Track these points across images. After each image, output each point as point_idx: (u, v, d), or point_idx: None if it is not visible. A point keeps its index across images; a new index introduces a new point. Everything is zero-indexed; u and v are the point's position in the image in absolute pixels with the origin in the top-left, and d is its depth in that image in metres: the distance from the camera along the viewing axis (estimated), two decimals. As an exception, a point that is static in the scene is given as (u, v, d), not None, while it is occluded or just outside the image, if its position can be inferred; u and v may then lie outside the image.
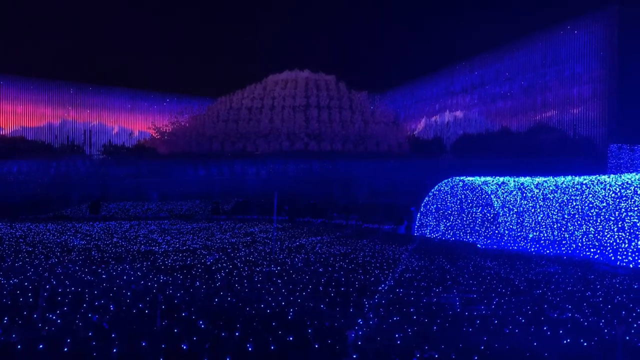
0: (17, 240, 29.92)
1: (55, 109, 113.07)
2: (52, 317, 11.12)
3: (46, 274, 16.96)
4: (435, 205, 41.37)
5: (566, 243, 30.33)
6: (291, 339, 9.99)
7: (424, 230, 41.99)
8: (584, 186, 30.70)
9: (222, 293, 14.49)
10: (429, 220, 41.89)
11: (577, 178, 31.88)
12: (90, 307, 12.18)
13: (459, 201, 39.02)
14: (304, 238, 37.11)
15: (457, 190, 39.29)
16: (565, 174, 33.47)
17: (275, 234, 30.55)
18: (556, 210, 31.87)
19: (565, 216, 31.06)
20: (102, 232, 38.45)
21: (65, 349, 8.99)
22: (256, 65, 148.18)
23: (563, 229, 31.02)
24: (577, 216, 30.33)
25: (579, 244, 29.48)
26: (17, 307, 12.10)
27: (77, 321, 10.84)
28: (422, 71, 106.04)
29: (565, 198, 31.50)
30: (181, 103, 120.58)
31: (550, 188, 33.13)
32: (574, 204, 30.71)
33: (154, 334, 10.11)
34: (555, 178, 33.57)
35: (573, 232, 30.26)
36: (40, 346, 8.95)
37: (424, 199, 42.65)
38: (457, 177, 39.98)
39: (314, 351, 9.52)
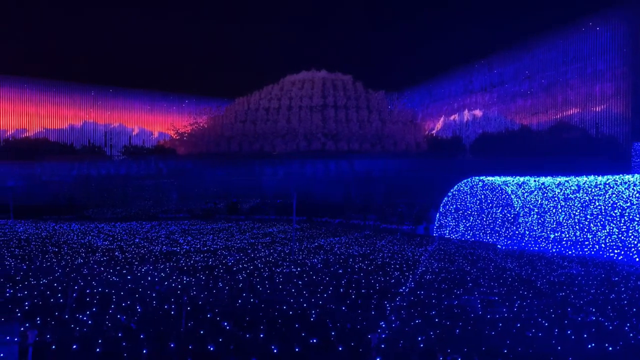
0: (43, 241, 30.65)
1: (76, 111, 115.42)
2: (83, 317, 11.44)
3: (73, 275, 17.40)
4: (454, 206, 41.13)
5: (589, 244, 29.91)
6: (314, 341, 10.13)
7: (443, 231, 41.77)
8: (607, 186, 30.23)
9: (245, 294, 14.70)
10: (448, 220, 41.67)
11: (599, 178, 31.41)
12: (118, 308, 12.49)
13: (478, 201, 38.74)
14: (322, 238, 37.24)
15: (477, 190, 39.01)
16: (587, 174, 32.99)
17: (294, 234, 30.74)
18: (578, 211, 31.45)
19: (588, 216, 30.63)
20: (124, 232, 39.12)
21: (98, 350, 9.27)
22: (273, 66, 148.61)
23: (585, 230, 30.60)
24: (600, 216, 29.89)
25: (602, 244, 29.05)
26: (48, 307, 12.47)
27: (106, 322, 11.14)
28: (440, 70, 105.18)
29: (587, 198, 31.06)
30: (200, 104, 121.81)
31: (572, 188, 32.69)
32: (597, 204, 30.26)
33: (180, 335, 10.34)
34: (577, 178, 33.12)
35: (596, 233, 29.84)
36: (74, 347, 9.23)
37: (443, 199, 42.43)
38: (477, 177, 39.68)
39: (337, 353, 9.63)
